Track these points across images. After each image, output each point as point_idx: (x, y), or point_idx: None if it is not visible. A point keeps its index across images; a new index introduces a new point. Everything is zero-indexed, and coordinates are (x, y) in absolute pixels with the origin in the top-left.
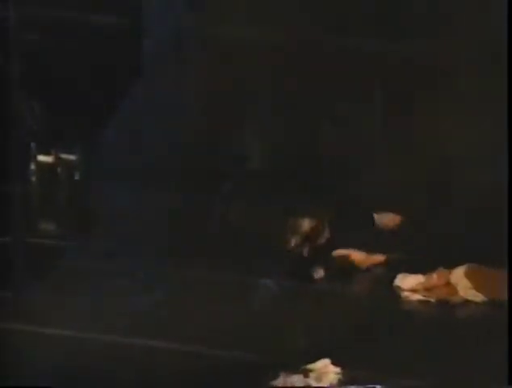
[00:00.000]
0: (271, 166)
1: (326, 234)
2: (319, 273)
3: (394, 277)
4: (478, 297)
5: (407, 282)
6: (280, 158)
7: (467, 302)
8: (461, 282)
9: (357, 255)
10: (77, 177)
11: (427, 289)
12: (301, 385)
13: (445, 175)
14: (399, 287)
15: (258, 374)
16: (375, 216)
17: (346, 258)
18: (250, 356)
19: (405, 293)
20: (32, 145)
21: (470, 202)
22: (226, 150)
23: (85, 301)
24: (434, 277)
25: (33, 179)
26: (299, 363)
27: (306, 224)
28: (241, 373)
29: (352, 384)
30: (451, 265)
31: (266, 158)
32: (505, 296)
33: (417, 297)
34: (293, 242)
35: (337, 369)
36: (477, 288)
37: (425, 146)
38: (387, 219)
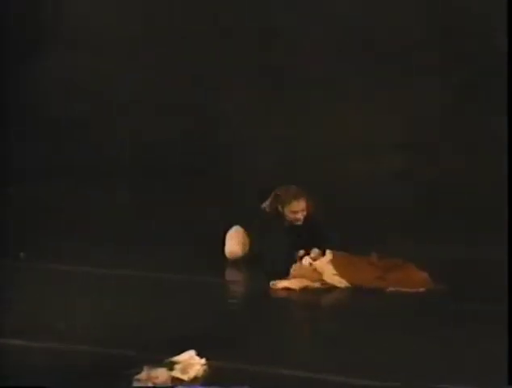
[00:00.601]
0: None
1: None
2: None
3: None
4: (342, 282)
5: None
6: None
7: (332, 288)
8: (326, 269)
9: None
10: None
11: (298, 276)
12: (165, 377)
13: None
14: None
15: (120, 368)
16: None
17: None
18: (113, 351)
19: (274, 283)
20: None
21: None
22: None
23: None
24: (303, 265)
25: None
26: (163, 356)
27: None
28: (104, 368)
29: (218, 375)
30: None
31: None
32: (367, 282)
33: (282, 285)
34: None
35: (203, 361)
36: (341, 274)
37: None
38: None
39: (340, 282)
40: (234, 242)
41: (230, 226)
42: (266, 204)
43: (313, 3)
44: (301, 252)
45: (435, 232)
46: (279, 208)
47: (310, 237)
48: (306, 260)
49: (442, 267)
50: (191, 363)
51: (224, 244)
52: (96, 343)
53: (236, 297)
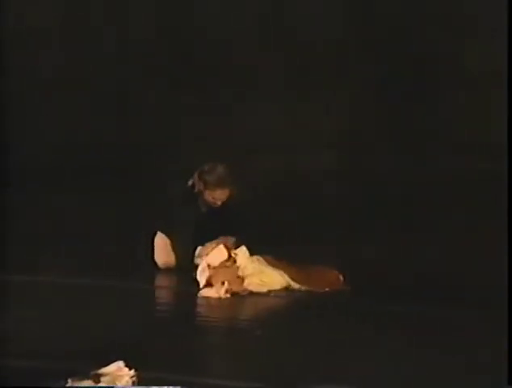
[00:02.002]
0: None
1: None
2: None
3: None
4: (264, 288)
5: (203, 277)
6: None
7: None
8: (249, 276)
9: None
10: None
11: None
12: None
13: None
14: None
15: (43, 381)
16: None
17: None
18: (35, 363)
19: (201, 291)
20: None
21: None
22: None
23: None
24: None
25: None
26: (89, 367)
27: None
28: (27, 381)
29: (148, 385)
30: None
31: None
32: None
33: (209, 293)
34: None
35: (132, 372)
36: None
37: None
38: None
39: (261, 285)
40: (165, 251)
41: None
42: (190, 182)
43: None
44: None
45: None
46: (201, 187)
47: (226, 224)
48: (220, 248)
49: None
50: (119, 375)
51: (151, 248)
52: (17, 356)
53: (164, 303)
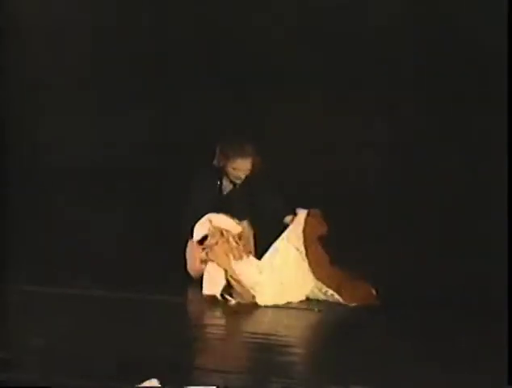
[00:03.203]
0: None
1: None
2: None
3: None
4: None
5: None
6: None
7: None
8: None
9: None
10: None
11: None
12: None
13: None
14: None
15: None
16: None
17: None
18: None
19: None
20: None
21: None
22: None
23: None
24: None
25: None
26: (121, 385)
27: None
28: None
29: None
30: None
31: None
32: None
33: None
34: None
35: None
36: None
37: None
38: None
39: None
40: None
41: None
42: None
43: None
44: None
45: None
46: (223, 160)
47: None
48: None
49: None
50: None
51: (183, 257)
52: (49, 372)
53: (198, 317)
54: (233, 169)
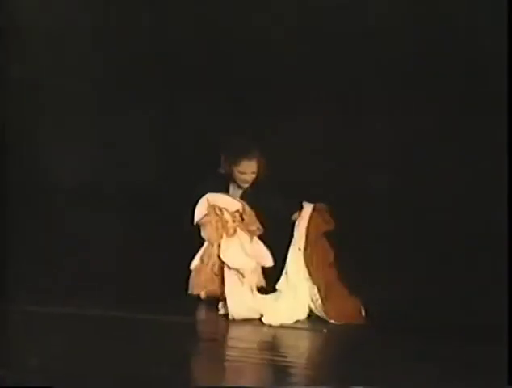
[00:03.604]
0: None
1: None
2: None
3: None
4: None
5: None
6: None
7: None
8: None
9: None
10: None
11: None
12: None
13: None
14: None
15: None
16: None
17: None
18: None
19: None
20: None
21: None
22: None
23: None
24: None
25: None
26: None
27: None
28: None
29: None
30: None
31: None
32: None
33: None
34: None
35: None
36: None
37: None
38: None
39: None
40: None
41: None
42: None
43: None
44: None
45: None
46: (228, 166)
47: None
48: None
49: None
50: None
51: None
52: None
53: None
54: (240, 172)
